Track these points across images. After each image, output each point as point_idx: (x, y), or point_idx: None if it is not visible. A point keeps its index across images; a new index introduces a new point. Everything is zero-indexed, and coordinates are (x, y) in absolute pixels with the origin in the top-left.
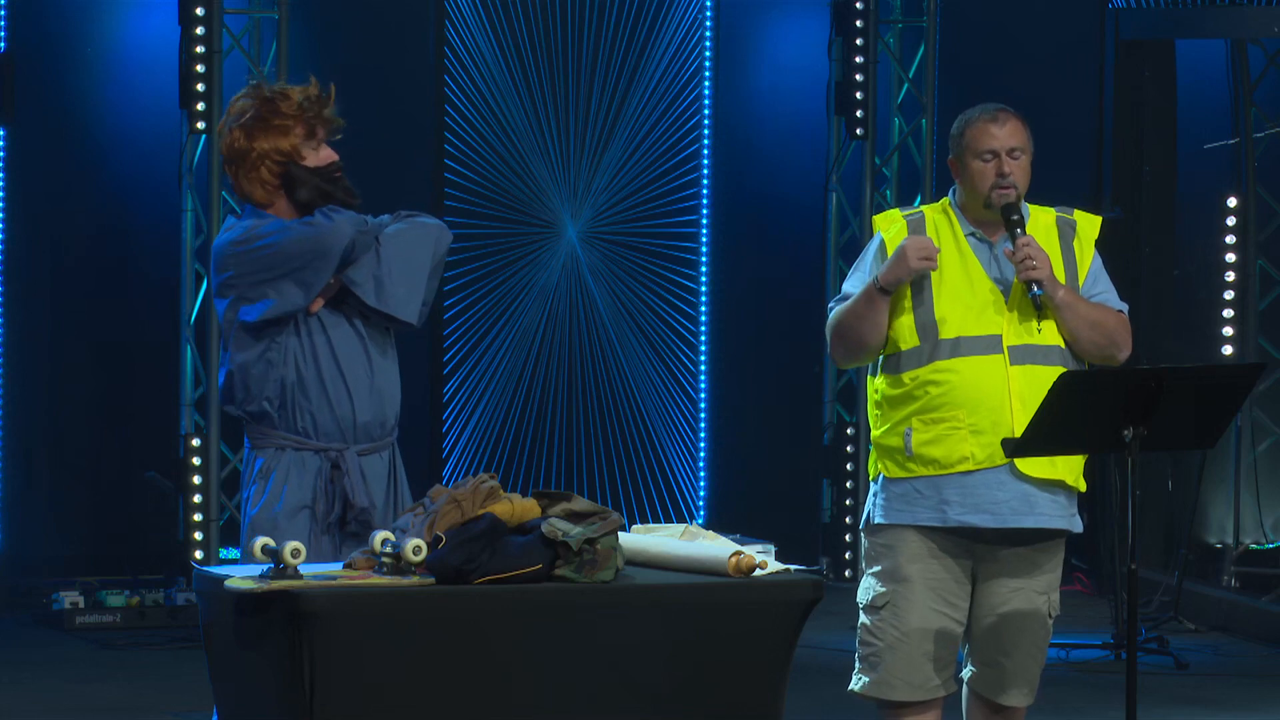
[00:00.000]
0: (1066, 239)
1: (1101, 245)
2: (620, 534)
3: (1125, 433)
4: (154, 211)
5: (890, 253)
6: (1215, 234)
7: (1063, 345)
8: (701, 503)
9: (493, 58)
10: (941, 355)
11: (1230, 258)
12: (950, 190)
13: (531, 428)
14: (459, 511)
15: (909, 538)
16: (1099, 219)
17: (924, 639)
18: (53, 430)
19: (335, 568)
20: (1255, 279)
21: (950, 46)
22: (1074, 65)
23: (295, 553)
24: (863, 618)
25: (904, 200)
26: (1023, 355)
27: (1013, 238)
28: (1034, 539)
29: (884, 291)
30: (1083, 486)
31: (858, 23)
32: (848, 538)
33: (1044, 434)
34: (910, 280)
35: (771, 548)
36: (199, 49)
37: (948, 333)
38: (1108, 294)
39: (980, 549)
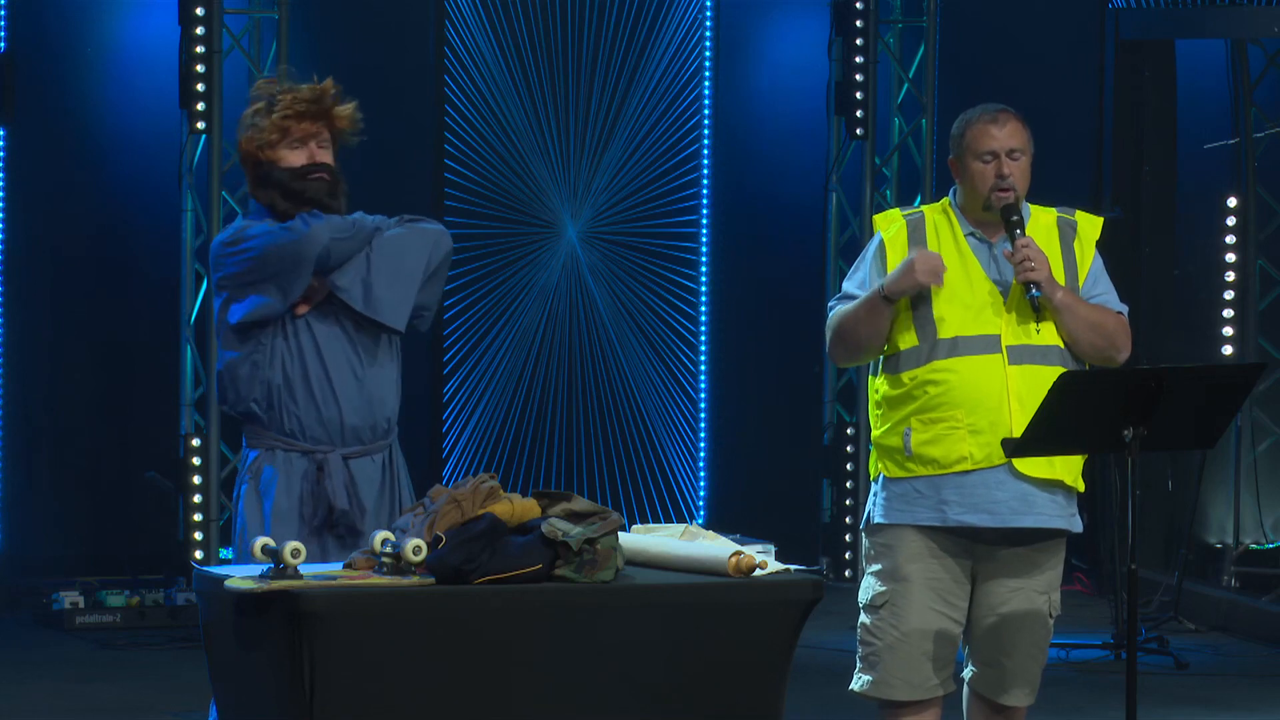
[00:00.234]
0: (1067, 240)
1: (1101, 245)
2: (620, 534)
3: (1125, 433)
4: (154, 211)
5: (890, 254)
6: (1215, 234)
7: (1062, 345)
8: (701, 503)
9: (493, 58)
10: (940, 355)
11: (1230, 258)
12: (950, 190)
13: (531, 428)
14: (459, 511)
15: (908, 537)
16: (1100, 220)
17: (923, 639)
18: (53, 430)
19: (335, 568)
20: (1255, 279)
21: (950, 46)
22: (1074, 65)
23: (295, 553)
24: (863, 617)
25: (904, 200)
26: (1021, 355)
27: (1012, 239)
28: (1034, 539)
29: (888, 300)
30: (1082, 486)
31: (858, 23)
32: (848, 538)
33: (1044, 434)
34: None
35: (771, 548)
36: (199, 49)
37: (946, 332)
38: (1107, 295)
39: (980, 549)
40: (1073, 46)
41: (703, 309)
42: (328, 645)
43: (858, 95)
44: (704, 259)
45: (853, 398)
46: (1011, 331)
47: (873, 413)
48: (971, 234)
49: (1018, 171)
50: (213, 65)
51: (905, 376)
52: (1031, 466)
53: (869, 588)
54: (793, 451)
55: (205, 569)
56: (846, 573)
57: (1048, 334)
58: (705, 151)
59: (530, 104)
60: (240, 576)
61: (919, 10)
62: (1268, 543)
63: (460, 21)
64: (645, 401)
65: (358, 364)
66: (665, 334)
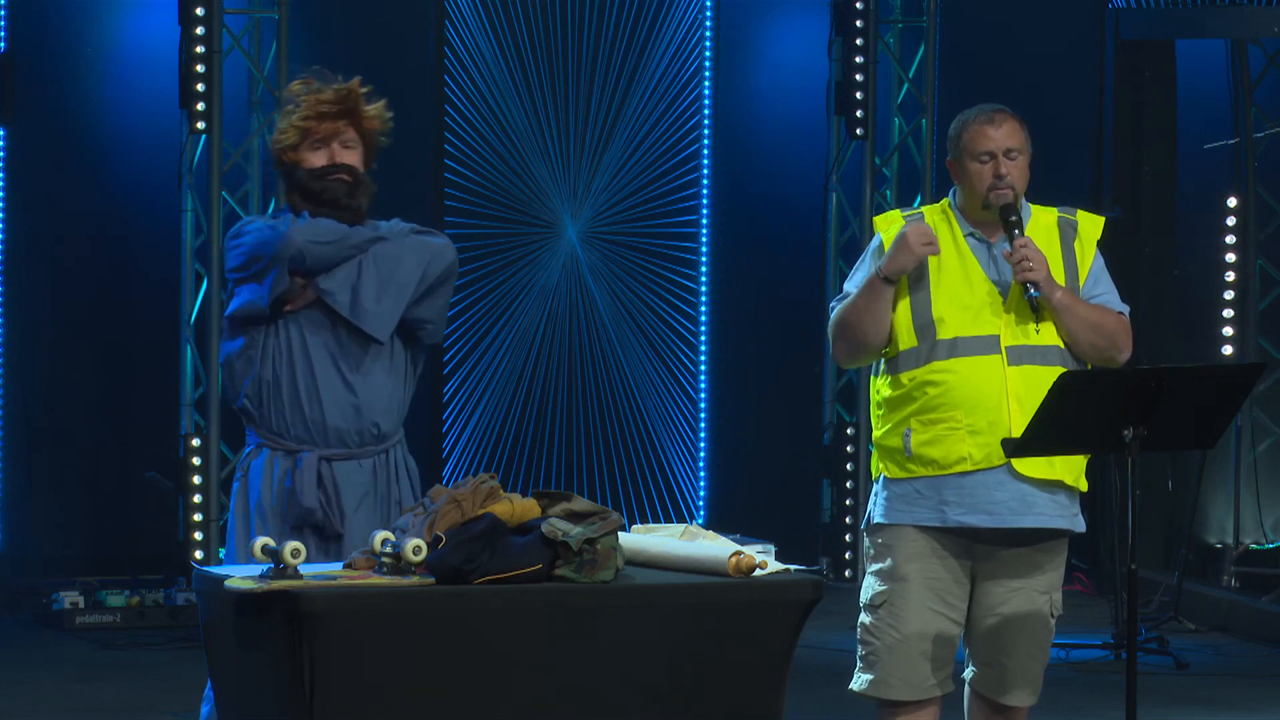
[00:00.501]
0: (1067, 239)
1: (1101, 245)
2: (620, 534)
3: (1125, 433)
4: (154, 211)
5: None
6: (1215, 234)
7: (1061, 346)
8: (701, 503)
9: (493, 58)
10: (939, 356)
11: (1230, 258)
12: (950, 191)
13: (531, 428)
14: (459, 511)
15: (908, 537)
16: (1102, 219)
17: (921, 639)
18: (53, 430)
19: (335, 568)
20: (1255, 279)
21: (950, 46)
22: (1074, 65)
23: (295, 553)
24: (863, 617)
25: (904, 200)
26: (1020, 356)
27: (1010, 239)
28: (1034, 539)
29: (887, 281)
30: (1084, 486)
31: (858, 23)
32: (848, 538)
33: (1044, 434)
34: (912, 269)
35: (771, 548)
36: (199, 49)
37: (945, 333)
38: (1108, 295)
39: (980, 549)
40: (1073, 46)
41: (703, 309)
42: (328, 645)
43: (858, 95)
44: (704, 259)
45: (853, 398)
46: (1011, 332)
47: (874, 414)
48: (971, 234)
49: (1015, 171)
50: (213, 65)
51: (905, 377)
52: (1031, 467)
53: (869, 587)
54: (793, 451)
55: (205, 569)
56: (846, 573)
57: (1047, 334)
58: (705, 151)
59: (530, 104)
60: (240, 576)
61: (919, 10)
62: (1268, 543)
63: (460, 21)
64: (645, 401)
65: (345, 368)
66: (665, 334)
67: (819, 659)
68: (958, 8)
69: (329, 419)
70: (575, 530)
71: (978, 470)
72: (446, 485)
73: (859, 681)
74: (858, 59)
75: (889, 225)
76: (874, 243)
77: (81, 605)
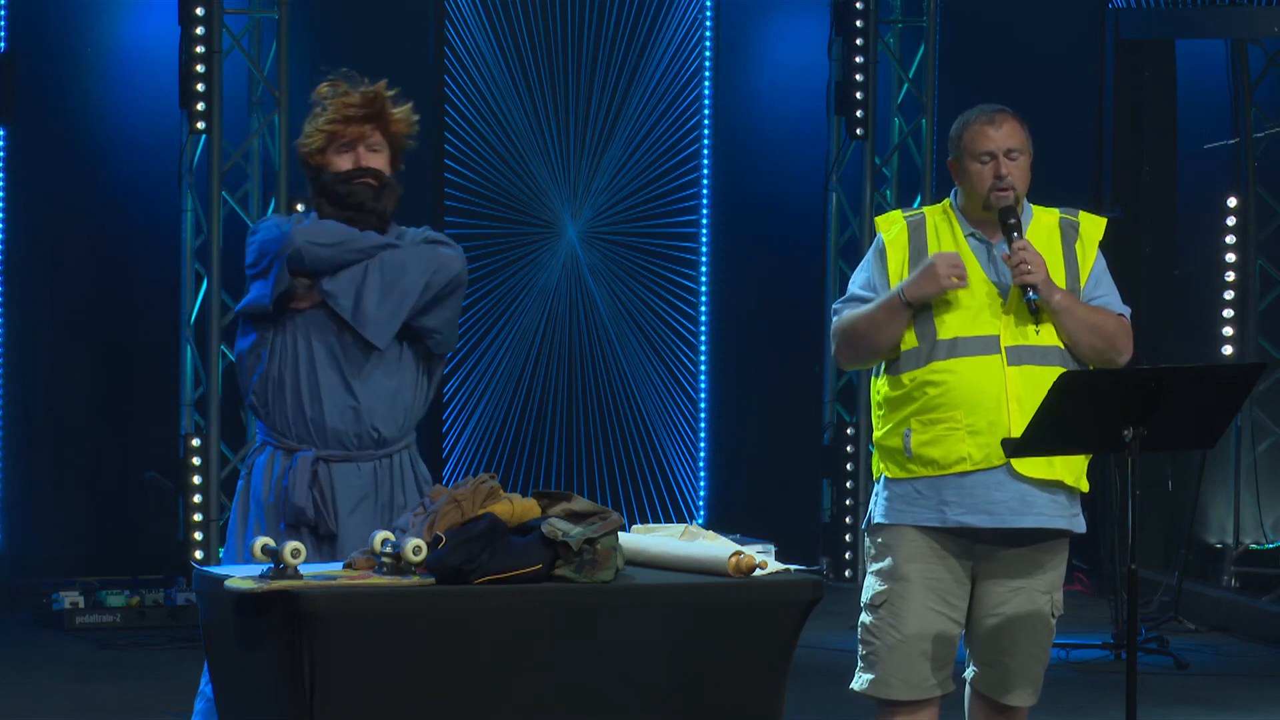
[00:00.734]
0: (1069, 241)
1: (1102, 245)
2: (620, 534)
3: (1125, 433)
4: (154, 211)
5: (891, 255)
6: (1215, 234)
7: (1061, 346)
8: (701, 503)
9: (493, 58)
10: (939, 356)
11: (1230, 258)
12: (951, 192)
13: (531, 428)
14: (459, 511)
15: (908, 537)
16: (1103, 221)
17: (921, 639)
18: (53, 430)
19: (335, 568)
20: (1255, 279)
21: (950, 46)
22: (1074, 65)
23: (295, 553)
24: (863, 616)
25: (904, 200)
26: (1020, 356)
27: (1009, 241)
28: (1034, 539)
29: (908, 305)
30: (1084, 486)
31: (858, 23)
32: (848, 538)
33: (1043, 434)
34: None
35: (771, 548)
36: (199, 49)
37: (945, 333)
38: (1109, 297)
39: (980, 549)
40: (1073, 46)
41: (703, 309)
42: (328, 645)
43: (858, 95)
44: (704, 259)
45: (853, 398)
46: (1010, 332)
47: (874, 414)
48: (972, 235)
49: (1016, 171)
50: (213, 65)
51: (905, 377)
52: (1030, 467)
53: (869, 587)
54: (793, 451)
55: (205, 569)
56: (846, 573)
57: (1047, 335)
58: (705, 151)
59: (530, 104)
60: (240, 576)
61: (919, 10)
62: (1268, 543)
63: (460, 21)
64: (645, 401)
65: (347, 370)
66: (665, 334)
67: (819, 659)
68: (958, 8)
69: (328, 420)
70: (575, 530)
71: (978, 470)
72: (446, 485)
73: (859, 681)
74: (858, 59)
75: (890, 225)
76: (876, 243)
77: (81, 605)
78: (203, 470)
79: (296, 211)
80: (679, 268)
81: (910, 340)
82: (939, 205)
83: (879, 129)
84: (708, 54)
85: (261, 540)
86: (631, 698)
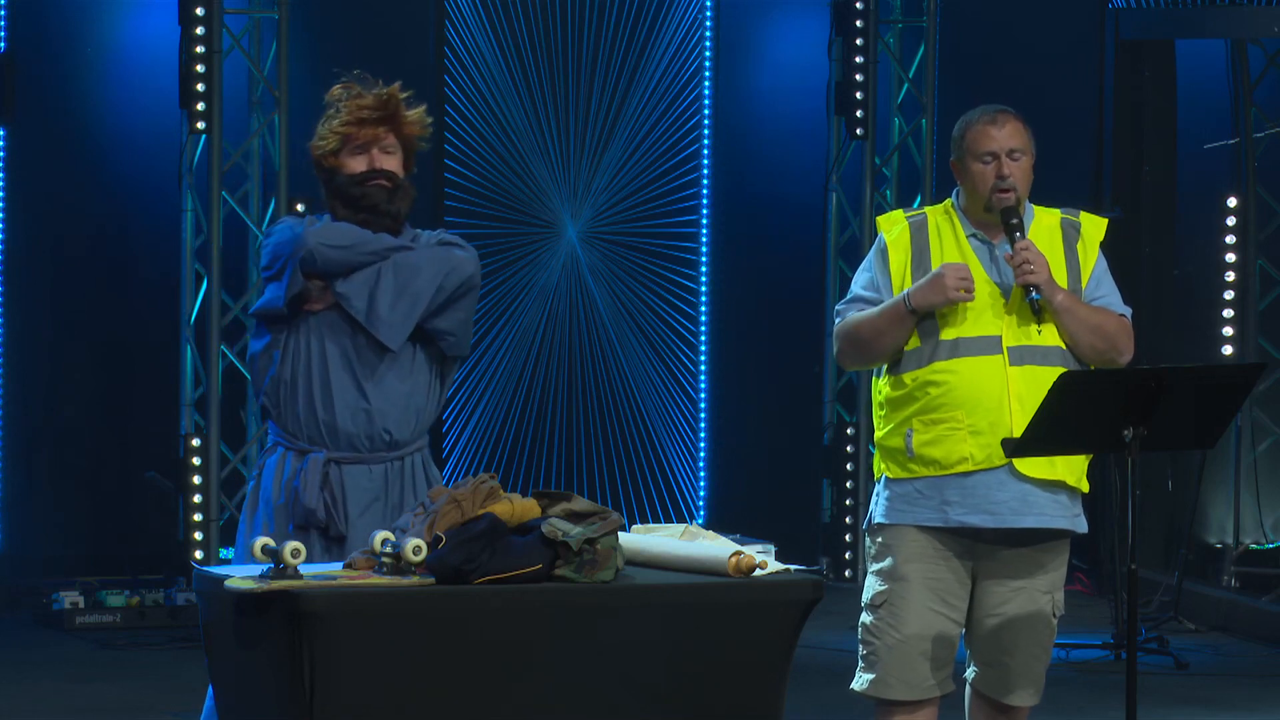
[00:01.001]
0: (1070, 241)
1: (1102, 245)
2: (620, 534)
3: (1125, 433)
4: (154, 211)
5: (892, 256)
6: (1215, 234)
7: (1063, 346)
8: (701, 503)
9: (493, 58)
10: (941, 356)
11: (1230, 258)
12: (953, 192)
13: (531, 428)
14: (459, 511)
15: (909, 537)
16: (1105, 221)
17: (922, 639)
18: (53, 430)
19: (335, 568)
20: (1255, 279)
21: (950, 46)
22: (1074, 65)
23: (295, 553)
24: (864, 616)
25: (904, 200)
26: (1022, 356)
27: (1011, 242)
28: (1036, 539)
29: (913, 313)
30: (1085, 487)
31: (858, 23)
32: (848, 538)
33: (1044, 434)
34: (940, 300)
35: (771, 548)
36: (199, 49)
37: (948, 333)
38: (1110, 297)
39: (981, 549)
40: (1073, 46)
41: (703, 309)
42: (328, 645)
43: (858, 95)
44: (704, 259)
45: (853, 398)
46: (1012, 332)
47: (876, 414)
48: (973, 235)
49: (1018, 172)
50: (213, 65)
51: (907, 377)
52: (1032, 467)
53: (870, 587)
54: (793, 451)
55: (205, 569)
56: (846, 573)
57: (1049, 335)
58: (705, 151)
59: (530, 104)
60: (240, 576)
61: (919, 10)
62: (1268, 543)
63: (460, 21)
64: (645, 401)
65: (360, 373)
66: (665, 334)
67: (819, 659)
68: (958, 8)
69: (339, 422)
70: (575, 530)
71: (979, 470)
72: (446, 485)
73: (860, 681)
74: (858, 59)
75: (892, 226)
76: (878, 243)
77: (81, 605)
78: (203, 470)
79: (296, 211)
80: (679, 268)
81: (913, 340)
82: (941, 205)
83: (879, 129)
84: (708, 54)
85: (261, 540)
86: (631, 698)
